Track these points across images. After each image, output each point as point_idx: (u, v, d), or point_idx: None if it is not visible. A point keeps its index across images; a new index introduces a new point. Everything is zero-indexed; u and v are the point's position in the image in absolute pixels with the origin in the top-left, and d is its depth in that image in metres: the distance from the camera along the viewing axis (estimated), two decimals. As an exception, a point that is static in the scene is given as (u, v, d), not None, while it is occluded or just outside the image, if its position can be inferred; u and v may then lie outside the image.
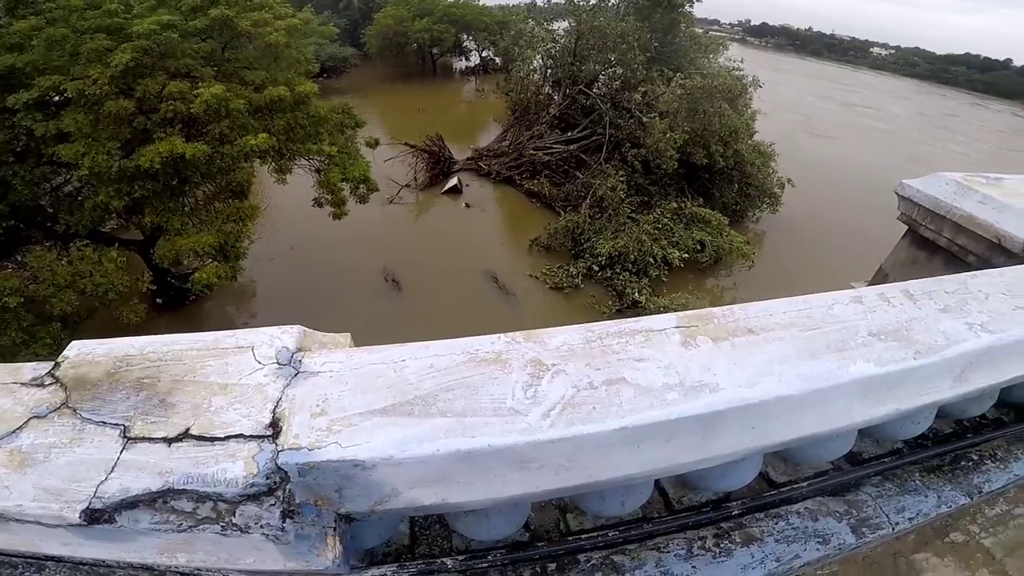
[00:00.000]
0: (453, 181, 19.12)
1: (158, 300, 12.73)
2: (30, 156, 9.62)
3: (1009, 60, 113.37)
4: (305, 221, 13.77)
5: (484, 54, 39.80)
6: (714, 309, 1.56)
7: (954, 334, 1.56)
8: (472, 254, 15.74)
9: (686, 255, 14.82)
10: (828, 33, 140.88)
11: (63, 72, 9.16)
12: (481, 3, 38.48)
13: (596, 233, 15.34)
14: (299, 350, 1.36)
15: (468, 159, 20.80)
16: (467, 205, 18.70)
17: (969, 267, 2.66)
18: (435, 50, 37.02)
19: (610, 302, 13.84)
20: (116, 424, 1.19)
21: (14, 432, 1.17)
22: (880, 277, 3.38)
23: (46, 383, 1.28)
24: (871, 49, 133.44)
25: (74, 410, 1.21)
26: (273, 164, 11.49)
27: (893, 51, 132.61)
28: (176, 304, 13.03)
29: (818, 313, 1.57)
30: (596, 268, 14.60)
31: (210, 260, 10.08)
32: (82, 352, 1.36)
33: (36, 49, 9.23)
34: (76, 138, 9.00)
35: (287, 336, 1.38)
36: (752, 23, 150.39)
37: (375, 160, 18.53)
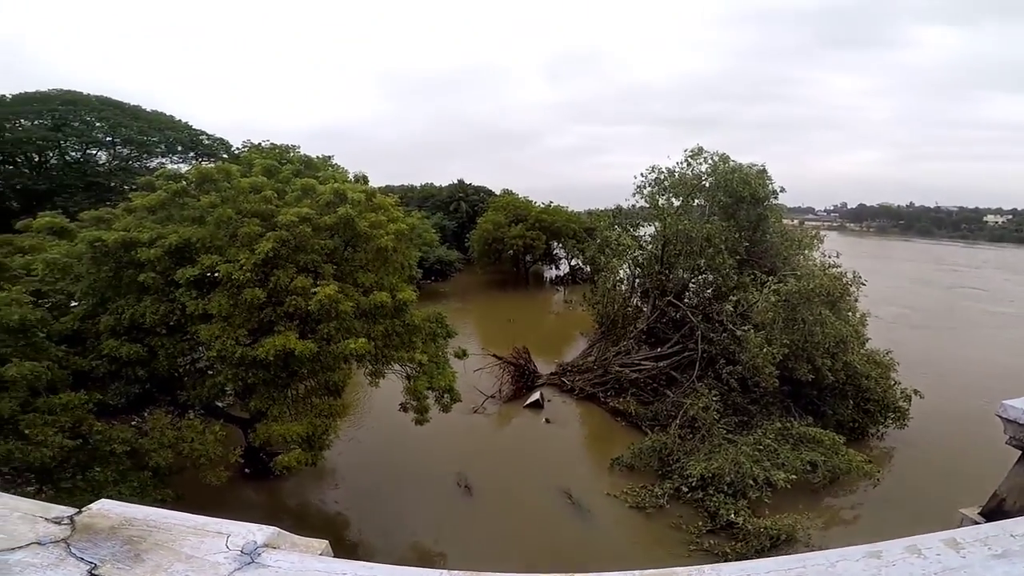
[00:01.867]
0: (535, 396, 18.91)
1: (246, 470, 13.73)
2: (179, 331, 10.58)
3: None
4: (391, 414, 13.99)
5: (573, 262, 42.01)
6: (678, 569, 1.50)
7: (1007, 580, 1.38)
8: (548, 470, 15.07)
9: (794, 476, 13.03)
10: (932, 207, 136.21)
11: (221, 252, 10.22)
12: (571, 209, 41.62)
13: (687, 454, 14.01)
14: (265, 545, 1.58)
15: (552, 374, 20.66)
16: (547, 421, 18.14)
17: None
18: (528, 257, 39.87)
19: (700, 523, 12.41)
20: (89, 562, 1.46)
21: (13, 549, 1.47)
22: (995, 502, 3.15)
23: (63, 522, 1.61)
24: (985, 218, 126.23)
25: (68, 546, 1.51)
26: (369, 367, 11.99)
27: (1010, 216, 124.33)
28: (261, 476, 13.82)
29: (813, 572, 1.49)
30: (685, 489, 13.20)
31: (295, 446, 10.37)
32: (103, 508, 1.70)
33: (208, 225, 10.40)
34: (216, 320, 9.85)
35: (260, 533, 1.63)
36: (848, 206, 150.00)
37: (464, 369, 19.03)
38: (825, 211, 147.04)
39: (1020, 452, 2.94)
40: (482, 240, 37.73)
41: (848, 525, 13.21)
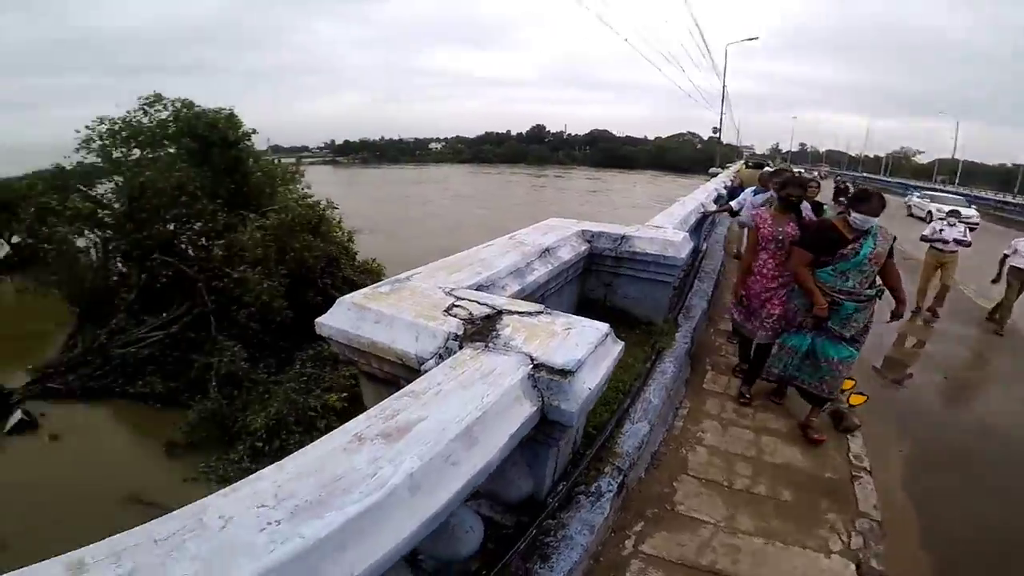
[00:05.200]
0: (16, 417, 13.93)
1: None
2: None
3: (509, 131, 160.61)
4: None
5: (15, 240, 30.71)
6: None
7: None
8: (96, 493, 11.69)
9: (345, 392, 13.95)
10: (397, 138, 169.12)
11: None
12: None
13: (243, 409, 13.58)
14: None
15: (31, 384, 15.41)
16: (53, 437, 13.79)
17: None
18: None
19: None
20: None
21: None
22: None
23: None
24: (430, 145, 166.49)
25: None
26: None
27: (444, 143, 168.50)
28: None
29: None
30: (260, 443, 12.80)
31: None
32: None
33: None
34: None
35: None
36: (336, 142, 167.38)
37: None
38: (318, 148, 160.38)
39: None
40: None
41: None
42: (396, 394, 1.84)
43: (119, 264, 18.45)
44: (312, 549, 1.11)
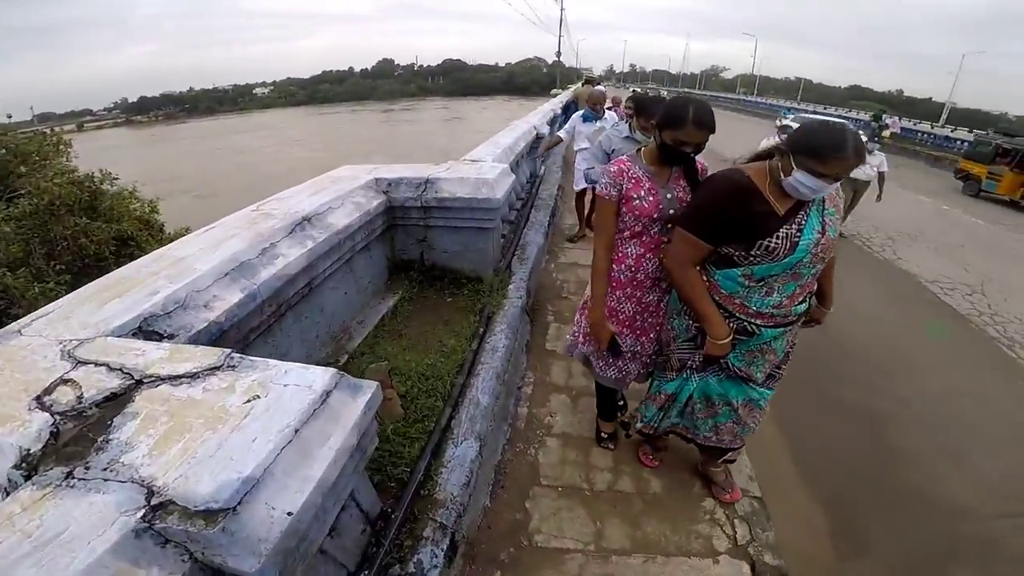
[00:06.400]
0: None
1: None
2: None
3: (352, 68, 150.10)
4: None
5: None
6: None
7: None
8: None
9: None
10: (211, 88, 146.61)
11: None
12: None
13: None
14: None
15: None
16: None
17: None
18: None
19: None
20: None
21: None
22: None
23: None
24: (254, 91, 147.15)
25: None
26: None
27: (272, 87, 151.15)
28: None
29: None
30: None
31: None
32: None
33: None
34: None
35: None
36: (130, 100, 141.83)
37: None
38: (106, 109, 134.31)
39: None
40: None
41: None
42: None
43: None
44: None
